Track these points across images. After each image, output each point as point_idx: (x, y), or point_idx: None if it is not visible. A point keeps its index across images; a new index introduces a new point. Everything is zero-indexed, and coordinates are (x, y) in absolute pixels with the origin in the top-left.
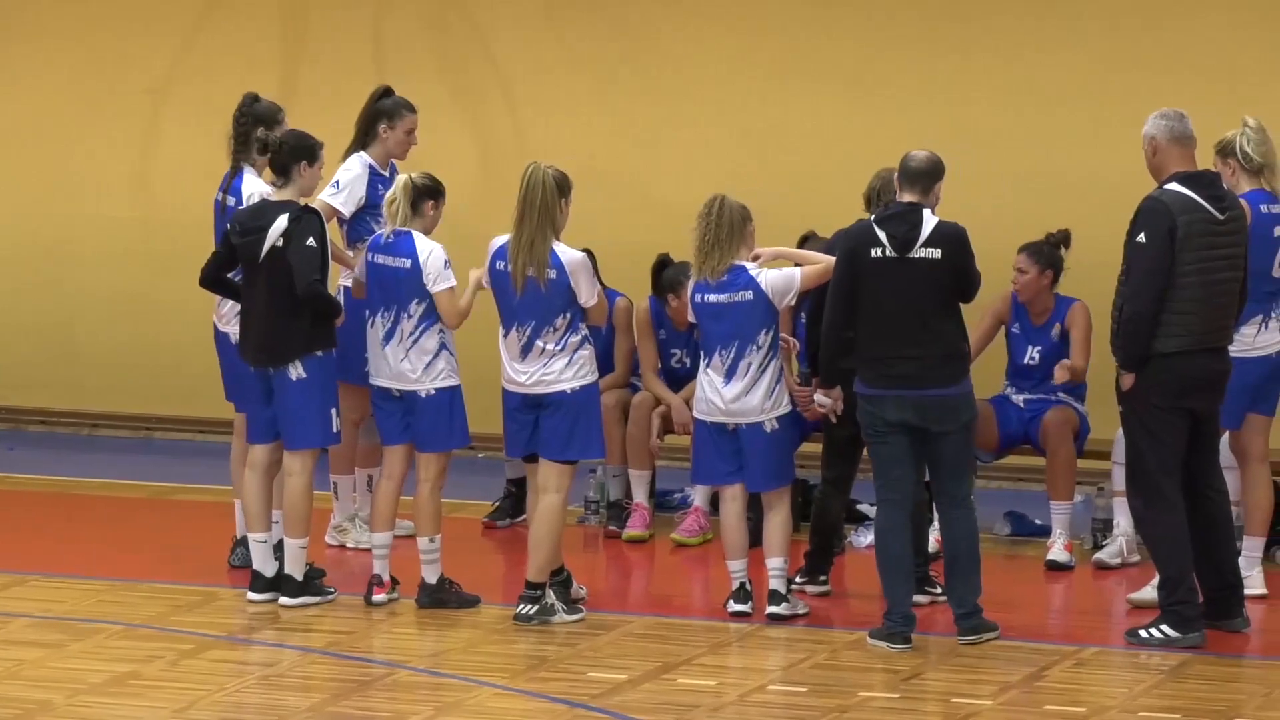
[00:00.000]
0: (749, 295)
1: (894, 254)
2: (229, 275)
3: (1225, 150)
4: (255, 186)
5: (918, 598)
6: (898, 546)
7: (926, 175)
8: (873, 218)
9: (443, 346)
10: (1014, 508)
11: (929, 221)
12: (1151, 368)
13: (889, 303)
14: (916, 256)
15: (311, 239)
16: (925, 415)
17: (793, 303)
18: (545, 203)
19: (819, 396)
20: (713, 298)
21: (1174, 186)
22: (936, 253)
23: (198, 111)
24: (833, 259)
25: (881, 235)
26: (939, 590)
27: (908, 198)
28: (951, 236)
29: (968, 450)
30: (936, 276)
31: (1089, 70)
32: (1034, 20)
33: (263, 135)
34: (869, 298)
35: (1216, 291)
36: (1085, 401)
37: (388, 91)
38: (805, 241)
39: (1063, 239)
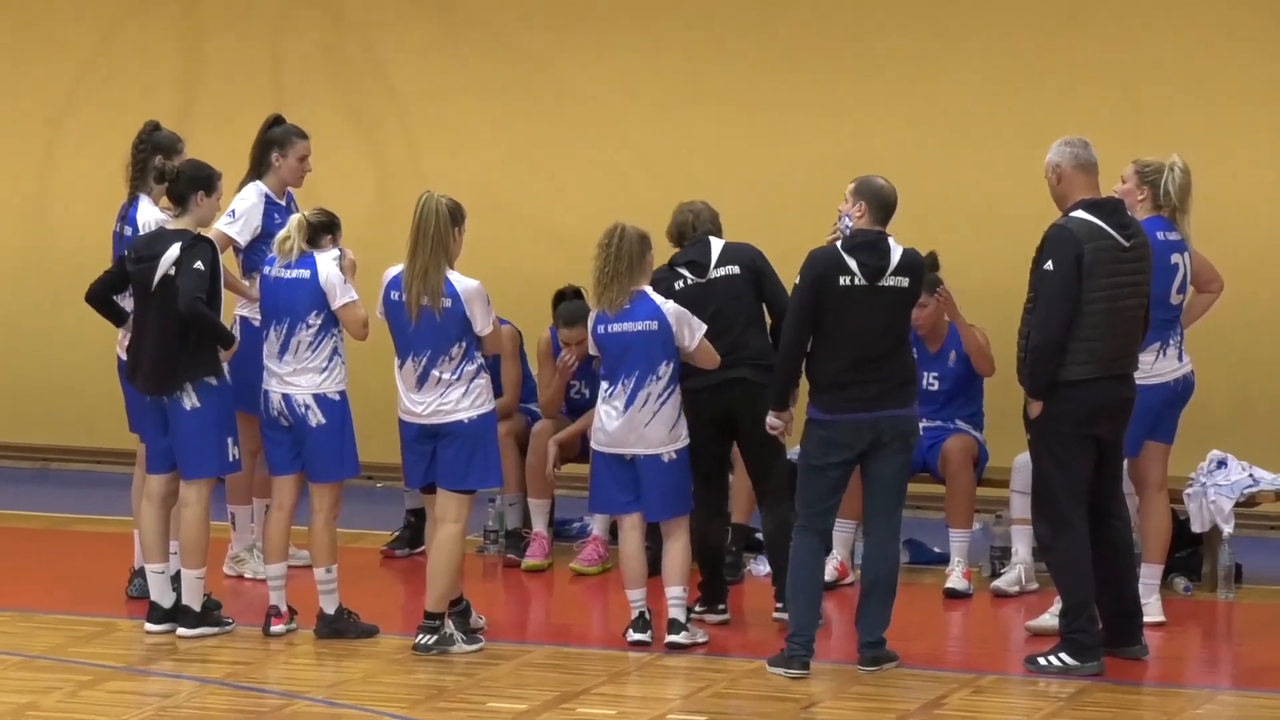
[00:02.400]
0: (654, 325)
1: (864, 282)
2: (115, 298)
3: (1148, 177)
4: (151, 215)
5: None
6: (813, 572)
7: (894, 205)
8: (840, 244)
9: (335, 351)
10: (912, 535)
11: (896, 250)
12: (1059, 395)
13: (856, 330)
14: (886, 285)
15: (200, 263)
16: (880, 436)
17: (690, 348)
18: (438, 231)
19: (771, 419)
20: (616, 327)
21: (1080, 214)
22: (904, 281)
23: (95, 138)
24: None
25: (851, 263)
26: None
27: (877, 226)
28: (917, 265)
29: (906, 474)
30: (902, 304)
31: (989, 94)
32: (932, 45)
33: (160, 164)
34: (833, 325)
35: (1123, 319)
36: (984, 430)
37: (278, 120)
38: None
39: (932, 263)
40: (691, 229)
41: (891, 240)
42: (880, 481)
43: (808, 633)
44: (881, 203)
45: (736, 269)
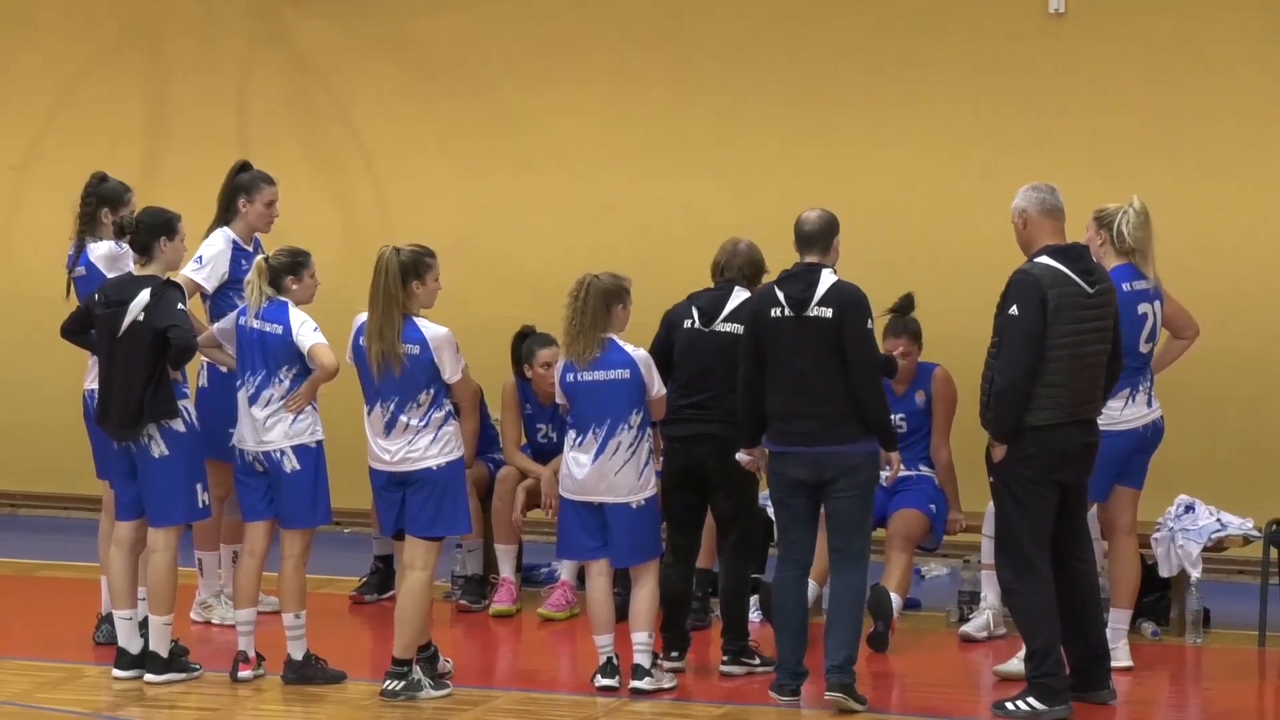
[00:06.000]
0: (625, 374)
1: (791, 313)
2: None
3: (1104, 221)
4: (102, 250)
5: (733, 669)
6: (791, 603)
7: (821, 235)
8: (776, 279)
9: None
10: (875, 580)
11: (825, 281)
12: (1022, 441)
13: (788, 362)
14: (811, 315)
15: (180, 303)
16: (822, 472)
17: (650, 396)
18: (388, 289)
19: (740, 455)
20: (586, 376)
21: (1044, 260)
22: (828, 312)
23: (60, 187)
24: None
25: (780, 295)
26: (757, 662)
27: (808, 259)
28: (846, 297)
29: (864, 509)
30: (830, 335)
31: (956, 140)
32: (900, 91)
33: (119, 220)
34: (771, 357)
35: (1086, 364)
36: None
37: (245, 166)
38: None
39: (908, 304)
40: (721, 271)
41: (826, 272)
42: (835, 518)
43: (788, 663)
44: (799, 236)
45: (740, 328)
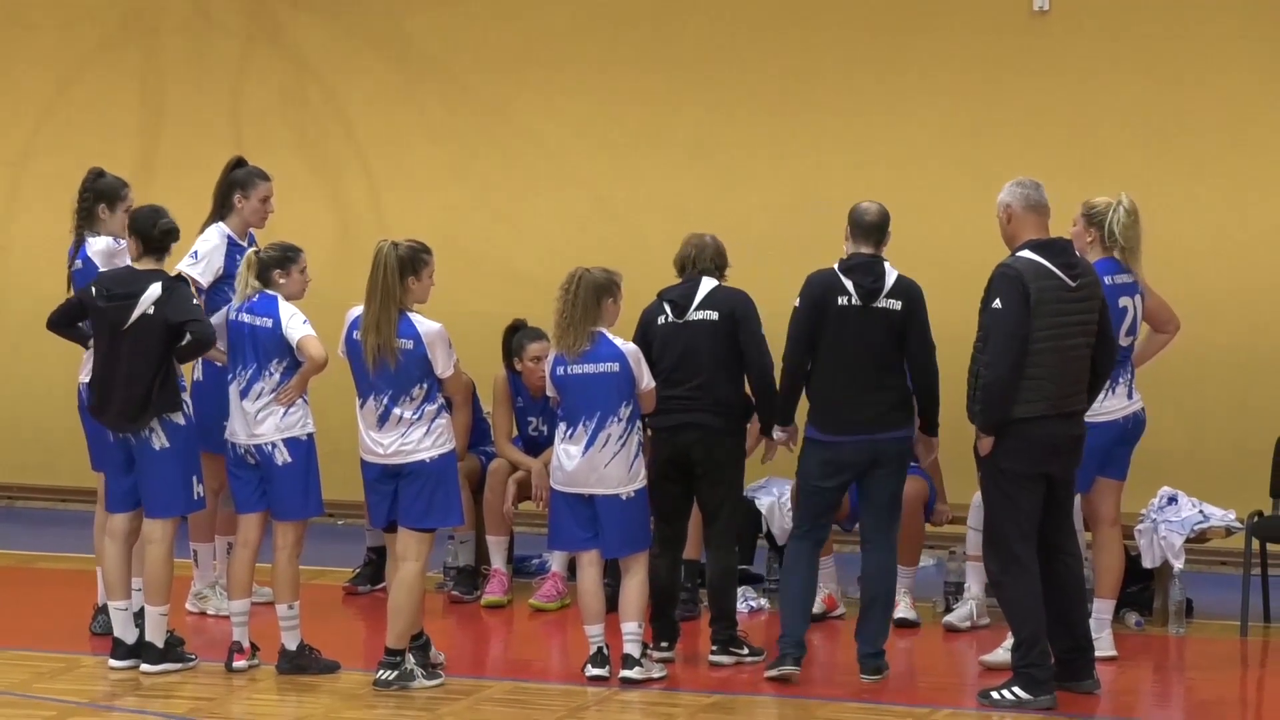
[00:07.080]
0: (615, 367)
1: (859, 303)
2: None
3: (1093, 217)
4: (100, 245)
5: (722, 658)
6: (803, 577)
7: (880, 228)
8: (836, 266)
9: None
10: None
11: (891, 274)
12: (1008, 434)
13: (850, 349)
14: (880, 306)
15: (195, 299)
16: (880, 457)
17: (640, 389)
18: (387, 284)
19: (776, 433)
20: (576, 369)
21: (1026, 254)
22: (897, 304)
23: (54, 185)
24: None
25: (848, 284)
26: (745, 651)
27: (865, 250)
28: (911, 291)
29: (900, 493)
30: (895, 327)
31: (943, 137)
32: (887, 88)
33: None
34: (830, 345)
35: (1069, 357)
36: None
37: (240, 162)
38: None
39: None
40: (692, 264)
41: (887, 264)
42: (877, 503)
43: (796, 634)
44: (860, 226)
45: (715, 315)
